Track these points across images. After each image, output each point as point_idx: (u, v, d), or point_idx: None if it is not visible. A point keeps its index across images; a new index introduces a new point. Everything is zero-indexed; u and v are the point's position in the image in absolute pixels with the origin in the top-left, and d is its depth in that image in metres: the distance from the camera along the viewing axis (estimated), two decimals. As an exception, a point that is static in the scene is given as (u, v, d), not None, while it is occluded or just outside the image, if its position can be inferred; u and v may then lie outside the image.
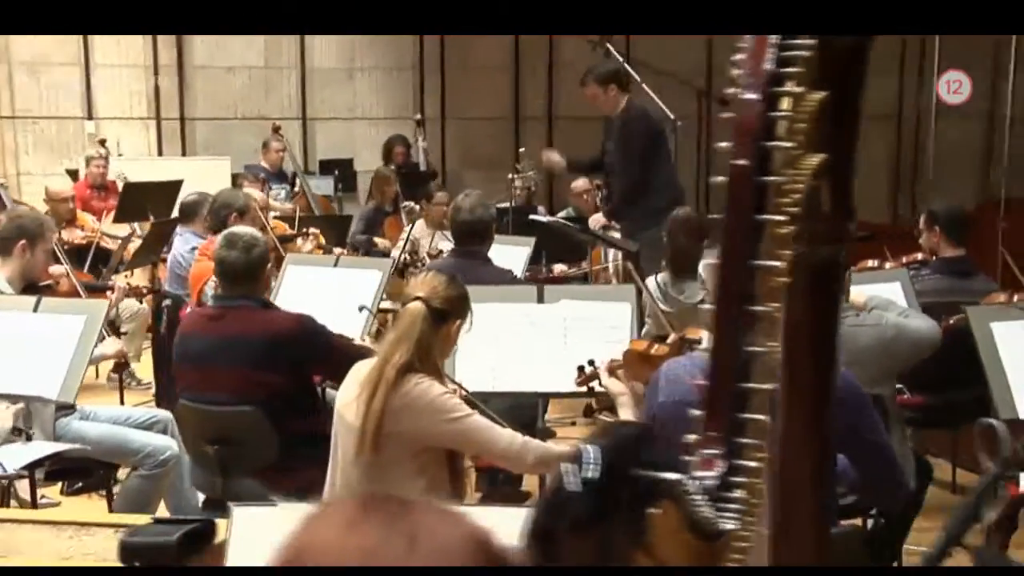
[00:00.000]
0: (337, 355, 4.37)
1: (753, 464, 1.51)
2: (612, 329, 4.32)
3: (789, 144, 1.51)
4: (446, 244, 6.39)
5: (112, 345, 5.09)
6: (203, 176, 9.77)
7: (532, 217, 7.22)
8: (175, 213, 8.75)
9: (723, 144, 1.56)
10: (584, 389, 3.78)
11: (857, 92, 1.57)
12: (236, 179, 11.57)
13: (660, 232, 7.08)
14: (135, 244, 7.70)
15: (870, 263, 5.82)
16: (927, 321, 4.61)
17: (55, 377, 4.39)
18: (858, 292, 4.36)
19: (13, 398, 4.49)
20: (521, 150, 7.76)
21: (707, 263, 1.93)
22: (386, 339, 3.48)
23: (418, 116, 11.80)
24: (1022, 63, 13.03)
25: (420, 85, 12.84)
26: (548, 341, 4.25)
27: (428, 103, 12.84)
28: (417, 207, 9.39)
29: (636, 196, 7.12)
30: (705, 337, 3.18)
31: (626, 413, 3.36)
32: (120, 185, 9.19)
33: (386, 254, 8.00)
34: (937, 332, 4.53)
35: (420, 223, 8.21)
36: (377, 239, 9.00)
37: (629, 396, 3.39)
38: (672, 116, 7.78)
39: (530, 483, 5.21)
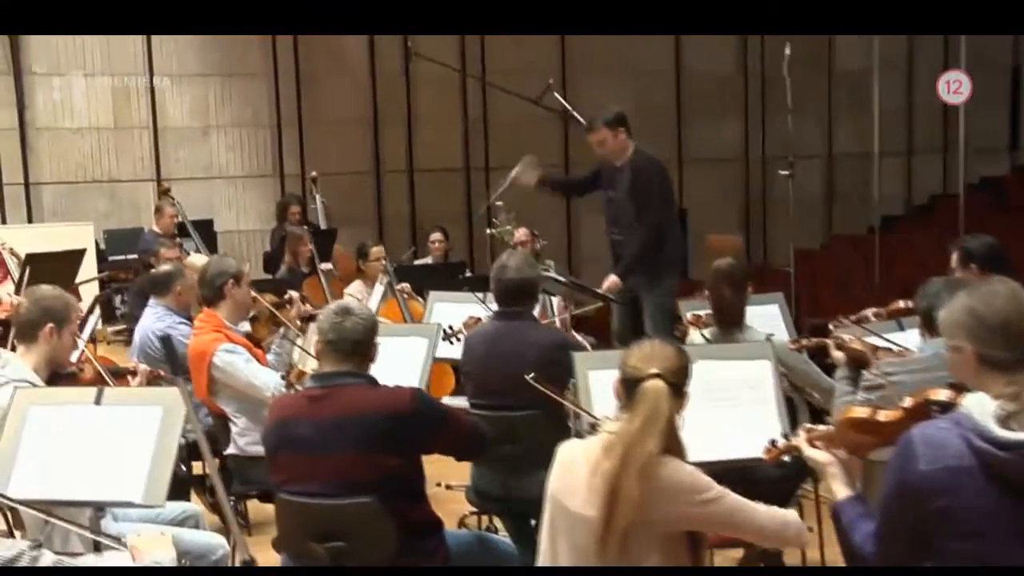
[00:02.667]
0: (453, 428, 4.10)
1: None
2: (752, 389, 4.12)
3: None
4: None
5: None
6: (63, 244, 9.06)
7: None
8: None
9: None
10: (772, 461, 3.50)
11: None
12: (99, 245, 10.86)
13: (674, 282, 6.91)
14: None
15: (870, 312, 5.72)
16: None
17: (136, 478, 3.86)
18: None
19: (94, 504, 3.96)
20: (499, 204, 7.45)
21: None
22: (626, 422, 3.16)
23: (313, 173, 11.30)
24: (850, 110, 13.56)
25: (279, 141, 12.38)
26: (693, 406, 3.99)
27: (287, 159, 12.40)
28: (332, 267, 8.97)
29: (656, 246, 6.85)
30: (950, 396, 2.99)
31: (837, 483, 3.13)
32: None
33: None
34: None
35: (358, 283, 7.81)
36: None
37: (838, 466, 3.15)
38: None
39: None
